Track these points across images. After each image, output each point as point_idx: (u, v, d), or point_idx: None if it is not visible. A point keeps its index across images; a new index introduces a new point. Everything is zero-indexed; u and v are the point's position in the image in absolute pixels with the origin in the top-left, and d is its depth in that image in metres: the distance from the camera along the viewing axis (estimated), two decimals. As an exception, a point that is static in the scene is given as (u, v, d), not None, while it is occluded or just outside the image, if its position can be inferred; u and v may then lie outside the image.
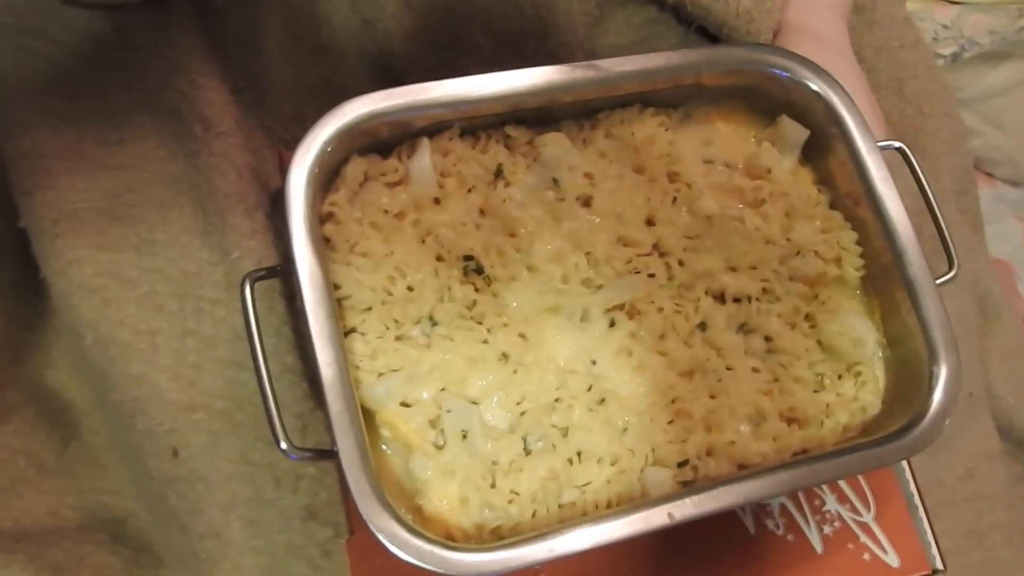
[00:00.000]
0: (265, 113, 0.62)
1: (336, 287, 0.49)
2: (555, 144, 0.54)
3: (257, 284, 0.49)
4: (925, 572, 0.56)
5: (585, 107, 0.55)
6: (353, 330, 0.49)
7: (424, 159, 0.52)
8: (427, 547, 0.43)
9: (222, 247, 0.56)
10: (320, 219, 0.50)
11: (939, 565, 0.56)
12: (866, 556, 0.55)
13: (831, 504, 0.56)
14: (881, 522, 0.56)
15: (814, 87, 0.54)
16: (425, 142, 0.52)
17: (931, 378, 0.50)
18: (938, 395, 0.49)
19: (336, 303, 0.48)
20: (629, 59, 0.53)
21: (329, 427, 0.45)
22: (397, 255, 0.50)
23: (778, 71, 0.55)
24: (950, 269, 0.54)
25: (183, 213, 0.56)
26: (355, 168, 0.51)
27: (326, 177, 0.50)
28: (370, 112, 0.49)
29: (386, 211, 0.51)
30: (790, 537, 0.55)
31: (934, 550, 0.56)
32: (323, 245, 0.49)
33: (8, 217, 0.56)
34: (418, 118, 0.51)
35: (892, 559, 0.55)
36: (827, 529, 0.56)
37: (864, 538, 0.56)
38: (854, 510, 0.56)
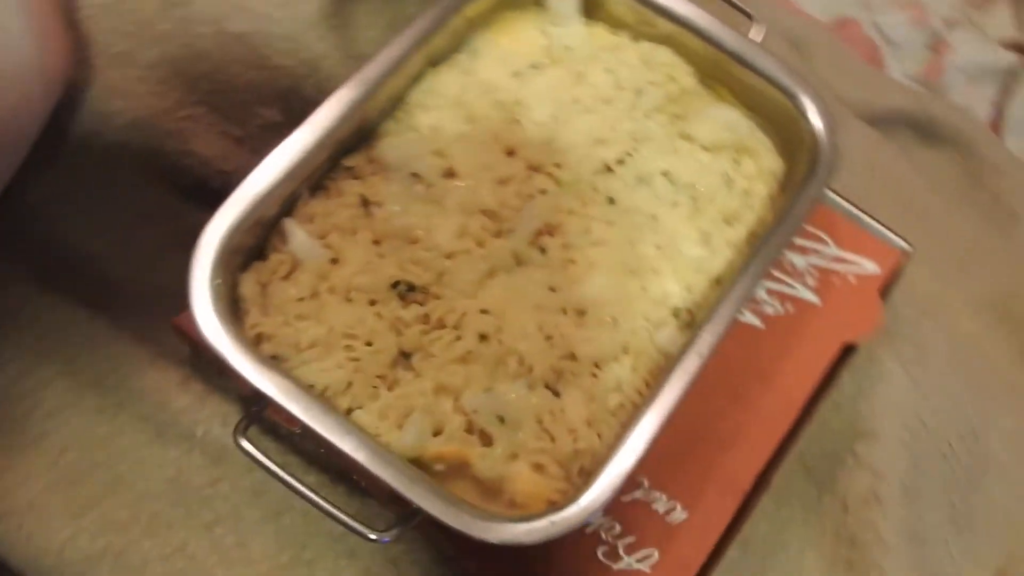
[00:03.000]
0: None
1: (311, 387, 0.49)
2: (391, 148, 0.55)
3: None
4: (899, 258, 0.61)
5: (392, 101, 0.56)
6: (350, 410, 0.50)
7: (298, 237, 0.53)
8: (547, 521, 0.44)
9: (184, 435, 0.56)
10: (255, 343, 0.50)
11: (905, 246, 0.62)
12: (852, 280, 0.60)
13: (799, 261, 0.61)
14: (844, 245, 0.61)
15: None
16: (289, 222, 0.53)
17: (802, 112, 0.54)
18: (815, 121, 0.54)
19: (320, 398, 0.48)
20: (387, 45, 0.54)
21: (394, 498, 0.46)
22: (337, 326, 0.51)
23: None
24: (752, 21, 0.59)
25: (134, 434, 0.55)
26: (248, 286, 0.51)
27: (231, 309, 0.50)
28: (223, 236, 0.49)
29: (301, 299, 0.51)
30: (790, 307, 0.60)
31: (893, 237, 0.62)
32: (273, 363, 0.49)
33: None
34: (265, 209, 0.51)
35: (870, 266, 0.60)
36: (810, 281, 0.60)
37: (841, 267, 0.60)
38: (818, 254, 0.61)
